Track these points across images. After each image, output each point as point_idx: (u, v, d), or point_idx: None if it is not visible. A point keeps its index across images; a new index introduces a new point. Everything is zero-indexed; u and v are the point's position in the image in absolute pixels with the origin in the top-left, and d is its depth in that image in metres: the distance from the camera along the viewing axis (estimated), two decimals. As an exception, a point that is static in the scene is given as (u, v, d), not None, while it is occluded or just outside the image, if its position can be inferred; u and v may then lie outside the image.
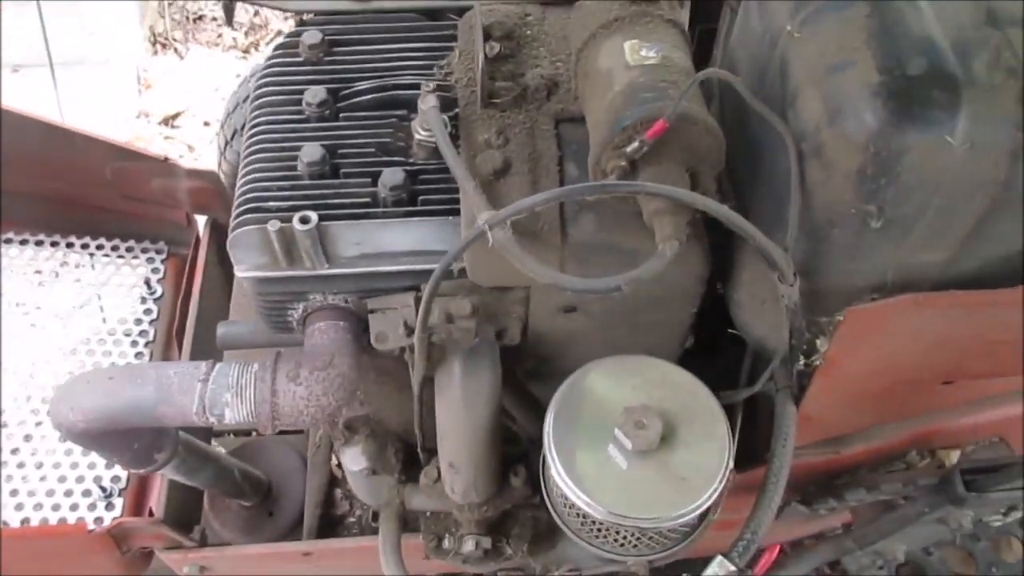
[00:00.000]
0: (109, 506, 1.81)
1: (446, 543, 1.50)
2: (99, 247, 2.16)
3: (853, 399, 1.41)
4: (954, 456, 1.62)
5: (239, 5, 1.64)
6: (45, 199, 2.09)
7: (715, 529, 1.34)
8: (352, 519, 2.00)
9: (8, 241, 2.13)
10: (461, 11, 1.42)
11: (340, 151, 1.28)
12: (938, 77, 0.98)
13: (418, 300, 1.21)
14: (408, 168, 1.26)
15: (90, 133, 1.97)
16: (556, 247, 1.19)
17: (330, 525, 2.01)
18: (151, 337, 2.05)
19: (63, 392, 1.25)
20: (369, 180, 1.25)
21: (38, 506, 1.79)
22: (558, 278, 1.06)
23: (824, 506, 1.61)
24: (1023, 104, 0.97)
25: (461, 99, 1.30)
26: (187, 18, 3.58)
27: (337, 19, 1.43)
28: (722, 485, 1.23)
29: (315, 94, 1.31)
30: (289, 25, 3.14)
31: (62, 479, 1.83)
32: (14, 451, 1.85)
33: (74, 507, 1.80)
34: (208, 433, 2.11)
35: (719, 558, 1.28)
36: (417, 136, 1.27)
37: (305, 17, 1.45)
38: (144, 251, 2.17)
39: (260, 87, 1.36)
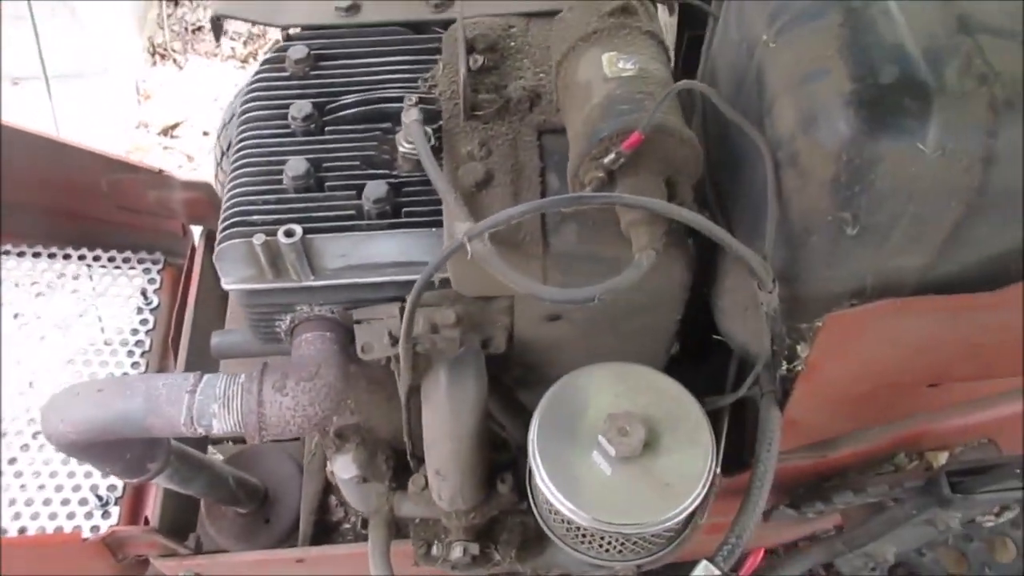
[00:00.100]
0: (105, 514, 1.83)
1: (435, 550, 1.51)
2: (96, 258, 2.18)
3: (837, 403, 1.41)
4: (942, 458, 1.63)
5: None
6: (42, 211, 2.11)
7: (706, 532, 1.35)
8: (347, 526, 2.02)
9: (7, 253, 2.15)
10: (446, 24, 1.43)
11: (325, 164, 1.30)
12: (910, 85, 0.99)
13: (403, 310, 1.22)
14: (392, 180, 1.28)
15: (85, 146, 1.99)
16: (538, 257, 1.21)
17: (325, 532, 2.03)
18: (147, 347, 2.07)
19: (53, 404, 1.27)
20: (354, 193, 1.27)
21: (35, 515, 1.81)
22: (535, 288, 1.08)
23: (812, 509, 1.61)
24: (994, 111, 0.98)
25: (445, 111, 1.32)
26: (186, 29, 3.61)
27: (323, 33, 1.45)
28: (705, 490, 1.24)
29: (300, 108, 1.32)
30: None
31: (59, 488, 1.86)
32: (12, 460, 1.87)
33: (71, 516, 1.82)
34: (205, 440, 2.13)
35: (704, 562, 1.29)
36: (401, 149, 1.29)
37: (291, 32, 1.46)
38: (141, 262, 2.19)
39: (246, 102, 1.38)
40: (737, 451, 1.44)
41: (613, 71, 1.14)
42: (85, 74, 3.24)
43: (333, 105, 1.35)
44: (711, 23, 1.39)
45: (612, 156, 1.07)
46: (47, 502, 1.84)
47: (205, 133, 3.28)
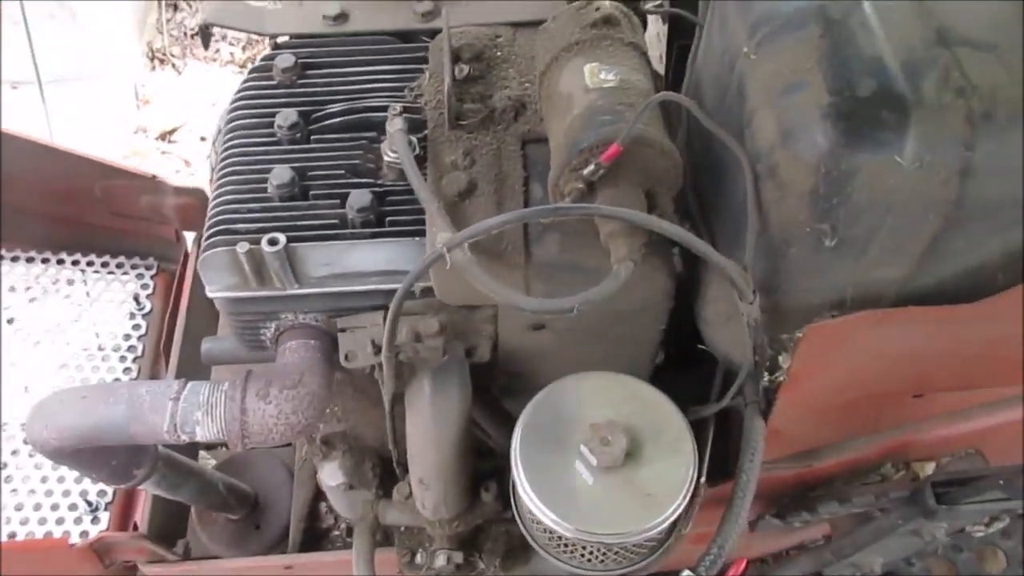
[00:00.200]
0: (95, 520, 1.84)
1: (419, 558, 1.51)
2: (90, 263, 2.19)
3: (821, 413, 1.42)
4: (929, 468, 1.63)
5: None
6: (36, 216, 2.12)
7: (693, 542, 1.35)
8: (336, 533, 2.01)
9: (0, 258, 2.16)
10: (433, 33, 1.44)
11: (310, 173, 1.31)
12: (887, 98, 0.99)
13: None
14: (377, 190, 1.28)
15: (79, 151, 2.00)
16: (520, 267, 1.21)
17: (315, 539, 2.02)
18: (140, 352, 2.08)
19: (38, 410, 1.27)
20: (338, 202, 1.27)
21: (25, 520, 1.82)
22: (514, 298, 1.08)
23: (798, 519, 1.61)
24: (971, 124, 0.98)
25: (430, 121, 1.32)
26: (185, 34, 3.62)
27: (311, 42, 1.45)
28: (686, 500, 1.24)
29: (286, 117, 1.33)
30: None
31: (49, 493, 1.86)
32: (2, 466, 1.88)
33: (60, 521, 1.83)
34: (195, 446, 2.13)
35: (686, 572, 1.30)
36: (386, 158, 1.29)
37: (280, 40, 1.47)
38: (134, 267, 2.20)
39: (233, 111, 1.39)
40: (723, 461, 1.44)
41: (595, 82, 1.15)
42: (84, 78, 3.26)
43: (319, 114, 1.36)
44: (698, 33, 1.39)
45: (592, 167, 1.07)
46: (37, 507, 1.85)
47: (203, 138, 3.29)
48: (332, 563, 1.79)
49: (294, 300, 1.29)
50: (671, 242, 1.25)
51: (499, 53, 1.39)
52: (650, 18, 1.82)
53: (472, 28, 1.41)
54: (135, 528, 1.79)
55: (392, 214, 1.27)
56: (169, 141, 3.33)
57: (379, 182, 1.30)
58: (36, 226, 2.14)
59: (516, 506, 1.35)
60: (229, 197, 1.28)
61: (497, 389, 1.49)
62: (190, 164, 3.26)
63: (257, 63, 1.44)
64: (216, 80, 3.53)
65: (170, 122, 3.38)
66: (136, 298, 2.14)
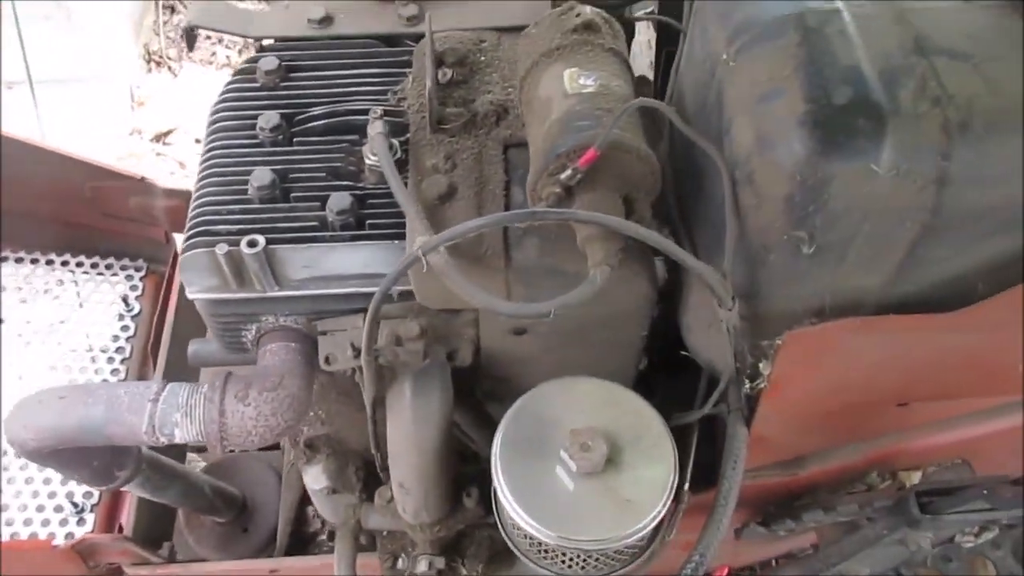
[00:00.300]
0: (81, 522, 1.84)
1: (401, 563, 1.51)
2: (79, 264, 2.19)
3: (805, 420, 1.41)
4: (915, 477, 1.62)
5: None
6: (26, 217, 2.12)
7: (682, 548, 1.34)
8: (323, 536, 2.01)
9: (-8, 258, 2.17)
10: (418, 37, 1.44)
11: (292, 176, 1.31)
12: (863, 106, 0.99)
13: (368, 322, 1.23)
14: (357, 192, 1.28)
15: (69, 152, 2.00)
16: (500, 271, 1.21)
17: (302, 543, 2.02)
18: (128, 354, 2.08)
19: (17, 410, 1.27)
20: (318, 204, 1.27)
21: (10, 521, 1.81)
22: (490, 302, 1.08)
23: (783, 527, 1.61)
24: (947, 133, 0.98)
25: (412, 124, 1.32)
26: (181, 36, 3.62)
27: (295, 45, 1.45)
28: (666, 507, 1.23)
29: (268, 119, 1.33)
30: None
31: (35, 494, 1.86)
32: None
33: (46, 522, 1.83)
34: (182, 447, 2.13)
35: (667, 580, 1.29)
36: (368, 161, 1.29)
37: (264, 43, 1.47)
38: (123, 268, 2.20)
39: (216, 112, 1.39)
40: (710, 467, 1.44)
41: (574, 87, 1.15)
42: (80, 79, 3.27)
43: (302, 117, 1.36)
44: (682, 40, 1.39)
45: (569, 172, 1.07)
46: (22, 508, 1.84)
47: (197, 140, 3.29)
48: (318, 567, 1.78)
49: (274, 302, 1.29)
50: (655, 249, 1.25)
51: (483, 58, 1.39)
52: (642, 25, 1.83)
53: (457, 33, 1.41)
54: (120, 530, 1.78)
55: (372, 217, 1.27)
56: (164, 143, 3.34)
57: (360, 185, 1.30)
58: (26, 227, 2.14)
59: (497, 511, 1.34)
60: (209, 198, 1.28)
61: (481, 393, 1.49)
62: (185, 166, 3.27)
63: (241, 65, 1.44)
64: (212, 83, 3.54)
65: (165, 124, 3.39)
66: (125, 299, 2.14)
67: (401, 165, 1.27)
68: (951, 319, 1.15)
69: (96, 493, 1.86)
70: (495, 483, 1.25)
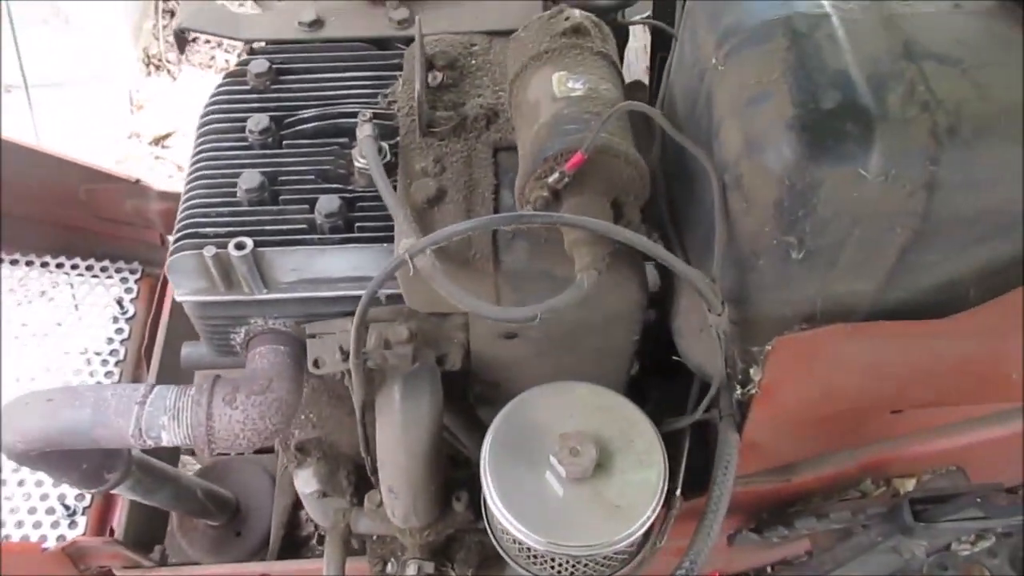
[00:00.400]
0: (72, 524, 1.83)
1: (390, 567, 1.50)
2: (74, 267, 2.19)
3: (797, 426, 1.40)
4: (909, 485, 1.61)
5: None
6: (21, 219, 2.12)
7: (672, 554, 1.33)
8: (316, 541, 2.00)
9: (-11, 261, 2.17)
10: (409, 40, 1.43)
11: (281, 178, 1.30)
12: (851, 111, 0.99)
13: (357, 326, 1.22)
14: (346, 195, 1.27)
15: (63, 155, 2.00)
16: (490, 274, 1.20)
17: (295, 546, 2.02)
18: (122, 356, 2.08)
19: (3, 413, 1.27)
20: (307, 207, 1.26)
21: (1, 524, 1.81)
22: (477, 306, 1.07)
23: (776, 534, 1.60)
24: (935, 138, 0.97)
25: (402, 127, 1.32)
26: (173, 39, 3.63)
27: (286, 48, 1.45)
28: (656, 513, 1.22)
29: (258, 122, 1.33)
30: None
31: (27, 496, 1.86)
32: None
33: (37, 525, 1.82)
34: (176, 450, 2.12)
35: (658, 587, 1.28)
36: (357, 164, 1.29)
37: (255, 46, 1.47)
38: (118, 271, 2.20)
39: (206, 115, 1.38)
40: (704, 473, 1.43)
41: (562, 91, 1.14)
42: (78, 82, 3.27)
43: (291, 119, 1.36)
44: (674, 45, 1.39)
45: (556, 175, 1.07)
46: (14, 510, 1.84)
47: (196, 144, 3.29)
48: (309, 570, 1.77)
49: (262, 305, 1.28)
50: (643, 253, 1.25)
51: (474, 61, 1.39)
52: (637, 30, 1.82)
53: (447, 36, 1.41)
54: (111, 533, 1.78)
55: (361, 220, 1.26)
56: (163, 146, 3.34)
57: (349, 188, 1.30)
58: (22, 230, 2.14)
59: (487, 516, 1.34)
60: (198, 200, 1.28)
61: (472, 398, 1.48)
62: (183, 170, 3.26)
63: (232, 67, 1.44)
64: (211, 86, 3.52)
65: (163, 127, 3.39)
66: (119, 302, 2.14)
67: (390, 168, 1.27)
68: (943, 325, 1.14)
69: (88, 496, 1.85)
70: (484, 488, 1.25)
